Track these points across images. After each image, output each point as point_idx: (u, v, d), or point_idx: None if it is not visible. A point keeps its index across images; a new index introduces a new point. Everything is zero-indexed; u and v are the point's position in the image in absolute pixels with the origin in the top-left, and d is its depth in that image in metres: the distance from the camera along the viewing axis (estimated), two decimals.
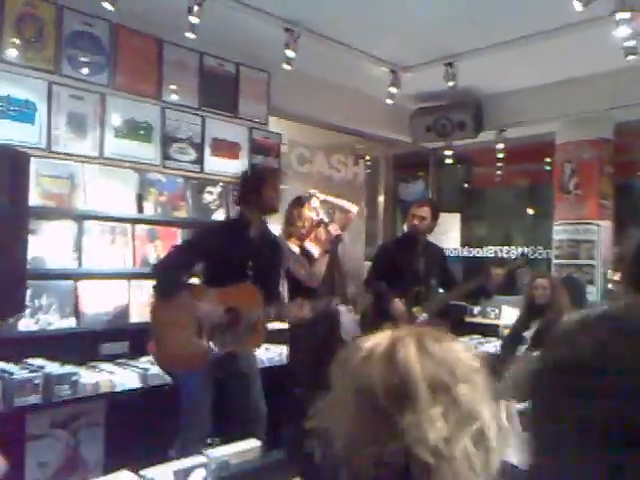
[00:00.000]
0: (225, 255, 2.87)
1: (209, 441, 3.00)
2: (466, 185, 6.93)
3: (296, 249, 3.59)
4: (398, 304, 3.70)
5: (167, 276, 2.83)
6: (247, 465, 1.57)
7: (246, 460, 1.58)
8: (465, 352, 0.76)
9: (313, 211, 3.64)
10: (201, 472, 1.40)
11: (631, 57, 3.84)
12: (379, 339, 0.75)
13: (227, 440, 1.84)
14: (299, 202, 3.68)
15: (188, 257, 2.91)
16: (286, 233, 3.66)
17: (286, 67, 3.87)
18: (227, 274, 2.86)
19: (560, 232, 5.23)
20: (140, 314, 3.60)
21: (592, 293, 4.86)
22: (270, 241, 3.15)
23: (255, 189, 3.01)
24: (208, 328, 2.78)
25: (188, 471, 1.39)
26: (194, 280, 3.13)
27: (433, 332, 0.76)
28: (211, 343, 2.77)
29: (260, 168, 3.70)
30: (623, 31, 3.53)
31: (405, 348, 0.71)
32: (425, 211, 3.83)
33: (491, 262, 4.21)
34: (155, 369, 3.19)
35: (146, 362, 3.37)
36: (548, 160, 5.94)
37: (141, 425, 3.06)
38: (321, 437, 0.72)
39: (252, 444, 1.65)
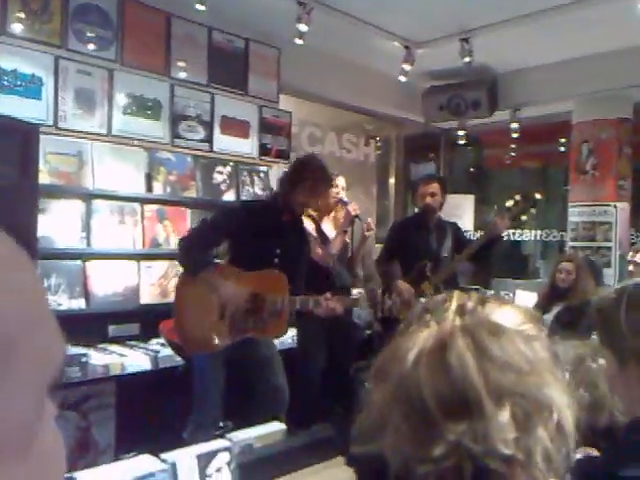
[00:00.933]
0: (253, 238, 2.77)
1: (222, 424, 2.95)
2: (477, 167, 6.82)
3: (311, 225, 3.50)
4: (403, 286, 3.62)
5: (194, 251, 2.74)
6: (271, 449, 1.50)
7: (270, 443, 1.52)
8: (525, 337, 0.63)
9: (337, 187, 3.55)
10: (225, 456, 1.34)
11: None
12: (424, 337, 0.63)
13: (250, 423, 1.78)
14: None
15: (216, 234, 2.82)
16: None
17: (298, 42, 3.75)
18: (253, 258, 2.76)
19: (576, 214, 5.12)
20: (150, 296, 3.53)
21: (609, 276, 4.78)
22: (300, 231, 3.03)
23: (293, 186, 2.83)
24: (230, 311, 2.70)
25: (211, 455, 1.32)
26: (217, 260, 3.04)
27: (486, 323, 0.63)
28: (217, 338, 2.69)
29: (321, 168, 2.98)
30: None
31: (458, 350, 0.60)
32: (435, 187, 3.74)
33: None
34: (166, 351, 3.13)
35: (157, 344, 3.31)
36: (562, 141, 5.82)
37: (152, 407, 3.00)
38: (373, 460, 0.61)
39: (276, 427, 1.59)
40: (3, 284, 0.33)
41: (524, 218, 5.87)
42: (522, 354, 0.61)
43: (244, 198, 4.01)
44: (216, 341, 2.70)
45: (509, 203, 3.64)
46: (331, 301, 2.72)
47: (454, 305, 0.67)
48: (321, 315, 2.77)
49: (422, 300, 0.76)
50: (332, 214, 3.60)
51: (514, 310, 0.68)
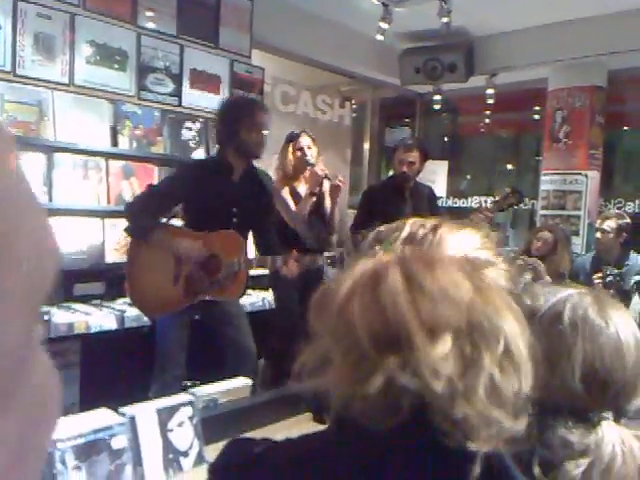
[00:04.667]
0: (204, 200, 2.62)
1: (188, 383, 2.91)
2: (452, 134, 6.79)
3: (285, 188, 3.41)
4: None
5: (140, 217, 2.58)
6: (237, 404, 1.46)
7: (236, 399, 1.47)
8: (468, 267, 0.60)
9: (298, 151, 3.43)
10: (187, 411, 1.29)
11: None
12: (358, 271, 0.60)
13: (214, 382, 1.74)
14: (287, 139, 3.48)
15: (163, 199, 2.65)
16: (278, 172, 3.47)
17: None
18: (208, 220, 2.63)
19: (547, 182, 5.16)
20: (116, 254, 3.43)
21: (577, 245, 4.84)
22: (257, 185, 2.84)
23: (231, 127, 2.64)
24: (185, 274, 2.61)
25: (173, 409, 1.27)
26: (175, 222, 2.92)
27: (420, 257, 0.61)
28: (171, 301, 2.61)
29: (238, 99, 3.13)
30: None
31: (390, 283, 0.57)
32: (414, 155, 3.63)
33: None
34: (133, 311, 3.05)
35: (123, 304, 3.23)
36: (537, 109, 5.82)
37: (118, 367, 2.94)
38: (315, 396, 0.59)
39: (242, 382, 1.54)
40: None
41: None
42: (460, 285, 0.58)
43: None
44: (170, 304, 2.62)
45: (497, 196, 3.61)
46: (290, 264, 2.67)
47: (404, 234, 0.64)
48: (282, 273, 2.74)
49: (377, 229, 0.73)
50: (305, 174, 3.50)
51: (470, 235, 0.65)
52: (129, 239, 2.72)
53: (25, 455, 0.26)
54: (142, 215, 2.58)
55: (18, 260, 0.24)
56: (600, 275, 3.38)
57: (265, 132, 2.74)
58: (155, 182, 3.60)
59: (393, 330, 0.55)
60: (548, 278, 3.51)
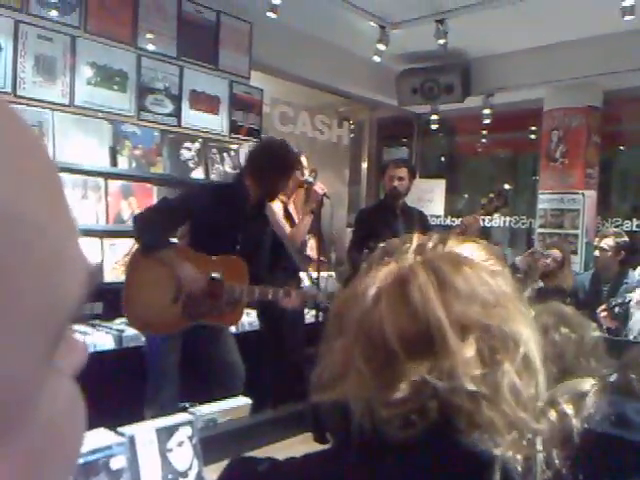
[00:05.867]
0: (216, 222, 2.61)
1: (185, 405, 2.87)
2: (449, 153, 6.84)
3: (279, 205, 3.41)
4: None
5: (151, 229, 2.54)
6: (236, 423, 1.45)
7: (235, 418, 1.46)
8: (489, 270, 0.61)
9: (298, 171, 3.45)
10: (187, 430, 1.27)
11: (628, 17, 3.74)
12: (384, 274, 0.60)
13: (210, 400, 1.72)
14: None
15: (177, 214, 2.63)
16: None
17: (270, 15, 3.66)
18: (213, 243, 2.62)
19: (545, 201, 5.18)
20: (114, 274, 3.42)
21: (575, 263, 4.84)
22: (263, 217, 2.87)
23: (271, 172, 2.62)
24: (186, 295, 2.57)
25: (172, 429, 1.26)
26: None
27: (447, 256, 0.61)
28: (168, 322, 2.57)
29: (286, 146, 2.85)
30: None
31: (419, 284, 0.56)
32: (403, 171, 3.74)
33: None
34: (131, 330, 3.03)
35: (121, 323, 3.21)
36: (533, 128, 5.88)
37: (116, 387, 2.90)
38: (333, 410, 0.58)
39: (241, 402, 1.53)
40: None
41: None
42: (486, 286, 0.58)
43: (213, 176, 3.91)
44: (166, 326, 2.58)
45: (483, 200, 3.64)
46: (289, 297, 2.60)
47: (414, 245, 0.65)
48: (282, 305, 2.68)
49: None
50: (296, 195, 3.52)
51: (476, 246, 0.66)
52: (132, 253, 2.69)
53: None
54: (152, 228, 2.54)
55: (18, 284, 0.22)
56: (604, 308, 3.36)
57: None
58: (155, 201, 3.61)
59: (424, 330, 0.54)
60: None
